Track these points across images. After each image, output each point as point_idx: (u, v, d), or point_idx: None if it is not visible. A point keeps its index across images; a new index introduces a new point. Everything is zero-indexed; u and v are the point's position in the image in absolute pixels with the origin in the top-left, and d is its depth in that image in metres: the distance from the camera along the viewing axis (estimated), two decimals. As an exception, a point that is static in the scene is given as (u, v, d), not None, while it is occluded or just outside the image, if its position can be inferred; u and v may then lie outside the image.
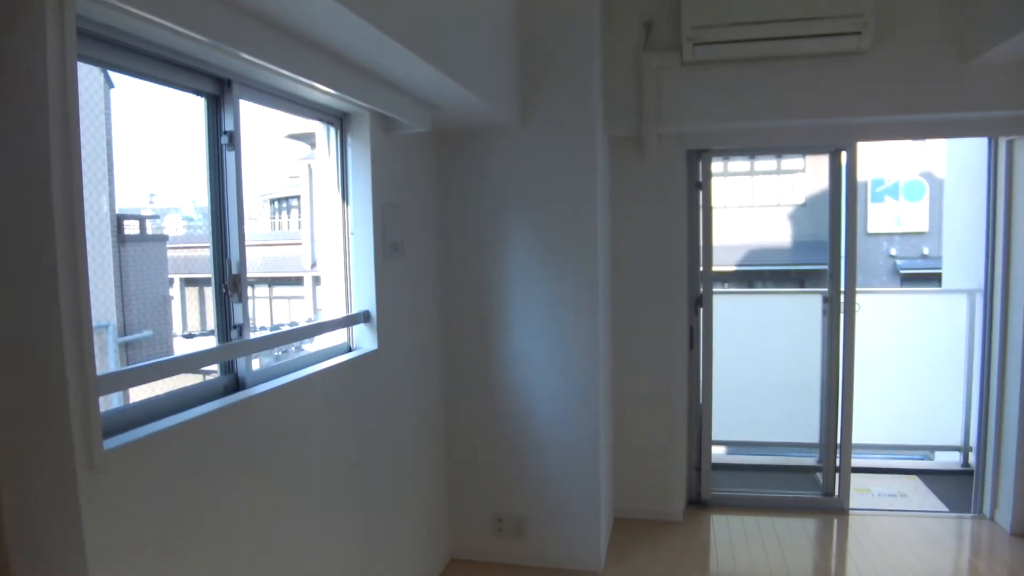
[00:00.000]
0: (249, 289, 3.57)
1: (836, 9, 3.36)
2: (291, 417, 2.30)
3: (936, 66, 3.49)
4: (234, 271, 2.21)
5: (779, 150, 4.83)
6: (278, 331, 2.54)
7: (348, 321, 2.80)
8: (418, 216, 3.29)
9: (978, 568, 3.62)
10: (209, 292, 2.24)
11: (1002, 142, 3.83)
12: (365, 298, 2.84)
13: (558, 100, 3.32)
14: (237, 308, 2.22)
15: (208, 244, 2.21)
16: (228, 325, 2.22)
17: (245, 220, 2.22)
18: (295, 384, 2.32)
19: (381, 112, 2.69)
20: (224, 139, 2.17)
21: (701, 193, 4.11)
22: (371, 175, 2.79)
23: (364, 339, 2.86)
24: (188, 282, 5.19)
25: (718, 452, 5.10)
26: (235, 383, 2.21)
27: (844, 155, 3.99)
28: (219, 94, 2.16)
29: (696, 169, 4.10)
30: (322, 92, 2.40)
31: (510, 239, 3.41)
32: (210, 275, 2.23)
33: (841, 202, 4.09)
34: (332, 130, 2.82)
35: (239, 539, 2.01)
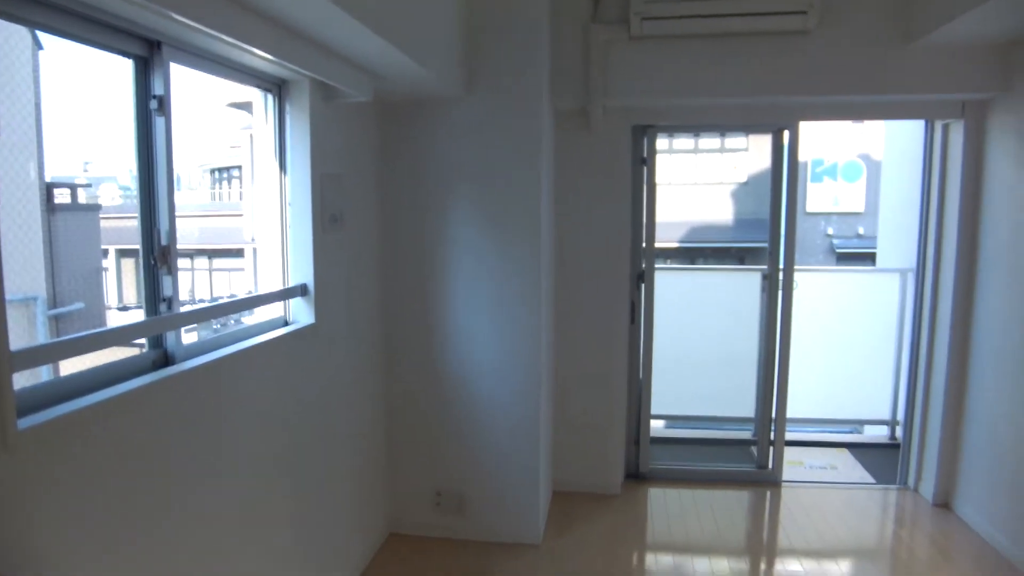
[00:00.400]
0: (187, 261, 3.44)
1: (783, -13, 3.38)
2: (223, 393, 2.23)
3: (879, 48, 3.54)
4: (163, 242, 2.11)
5: (723, 128, 4.86)
6: (208, 304, 2.45)
7: (284, 294, 2.72)
8: (360, 187, 3.21)
9: (901, 537, 3.77)
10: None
11: (938, 125, 3.92)
12: (303, 271, 2.76)
13: (504, 71, 3.26)
14: (166, 280, 2.13)
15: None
16: (157, 298, 2.13)
17: (176, 189, 2.13)
18: (227, 359, 2.25)
19: (321, 80, 2.59)
20: (153, 104, 2.07)
21: (646, 169, 4.11)
22: (310, 144, 2.70)
23: (301, 313, 2.79)
24: (124, 253, 5.01)
25: (657, 426, 5.18)
26: (164, 358, 2.13)
27: (787, 134, 4.04)
28: (148, 56, 2.05)
29: (641, 144, 4.10)
30: (259, 57, 2.30)
31: (454, 212, 3.36)
32: (146, 246, 2.13)
33: (782, 181, 4.14)
34: (270, 97, 2.72)
35: (168, 521, 1.95)
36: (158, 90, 2.06)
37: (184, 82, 2.19)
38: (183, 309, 2.19)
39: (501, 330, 3.38)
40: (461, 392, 3.45)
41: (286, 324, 2.77)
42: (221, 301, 2.79)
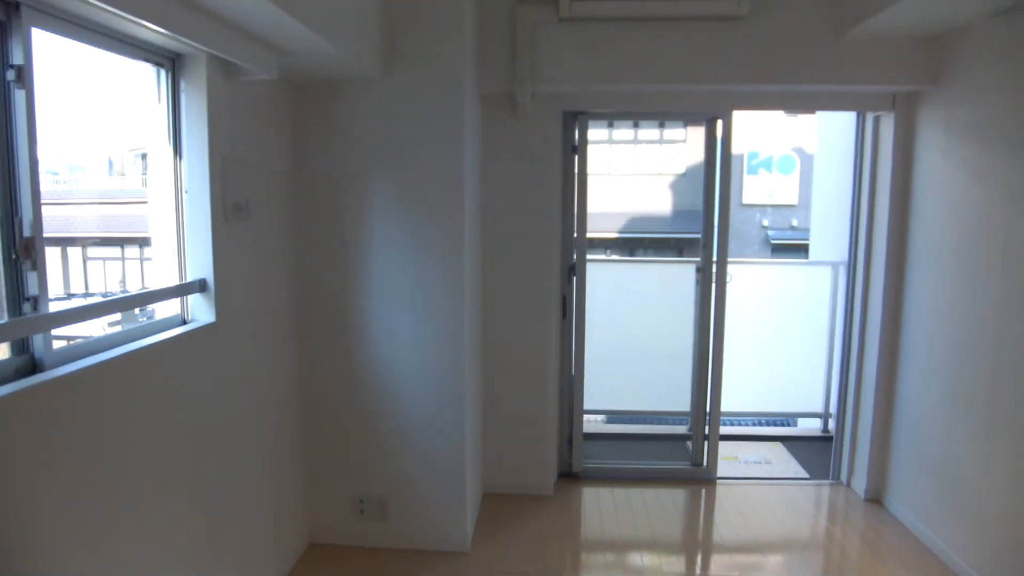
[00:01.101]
0: (78, 252, 3.13)
1: (716, -30, 3.27)
2: (104, 402, 1.99)
3: (812, 37, 3.47)
4: (26, 233, 1.86)
5: (655, 115, 4.77)
6: (84, 303, 2.20)
7: (180, 291, 2.48)
8: (269, 174, 2.97)
9: (833, 533, 3.74)
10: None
11: (869, 117, 3.88)
12: (202, 265, 2.52)
13: (425, 52, 3.07)
14: (31, 277, 1.88)
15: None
16: (20, 297, 1.88)
17: (40, 171, 1.88)
18: (107, 365, 2.01)
19: (218, 54, 2.36)
20: (11, 74, 1.81)
21: (577, 157, 3.97)
22: (208, 125, 2.46)
23: (201, 310, 2.55)
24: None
25: (593, 422, 5.08)
26: (31, 365, 1.88)
27: (720, 123, 3.95)
28: (4, 20, 1.80)
29: (572, 132, 3.95)
30: (142, 26, 2.06)
31: (373, 201, 3.16)
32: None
33: (716, 171, 4.05)
34: (163, 73, 2.46)
35: (48, 547, 1.71)
36: (16, 59, 1.81)
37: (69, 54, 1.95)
38: (58, 307, 1.95)
39: (424, 326, 3.20)
40: (383, 392, 3.26)
41: (184, 323, 2.54)
42: (105, 299, 2.54)
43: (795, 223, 14.94)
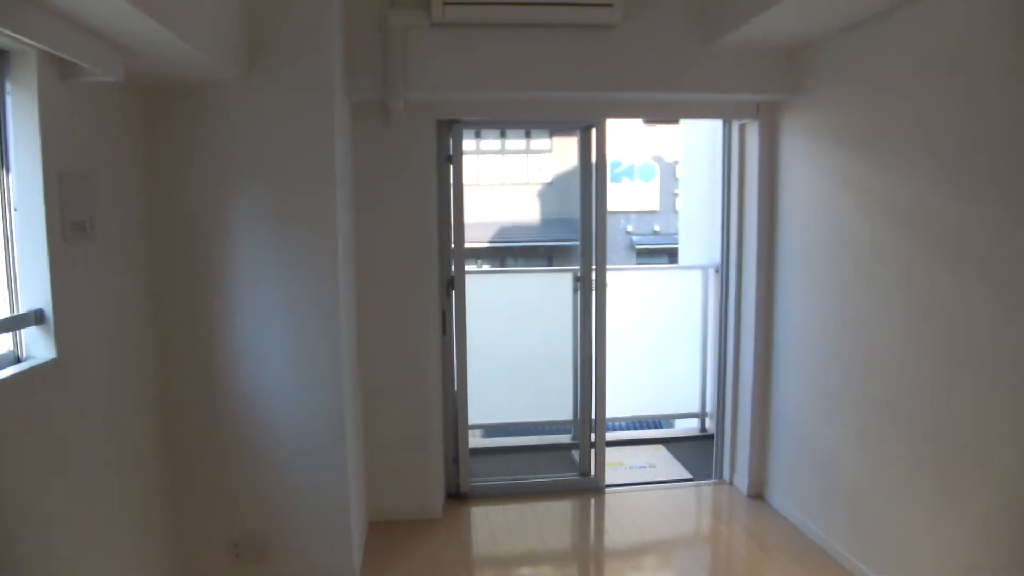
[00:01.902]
0: None
1: (589, -23, 3.25)
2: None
3: (681, 47, 3.53)
4: None
5: (531, 124, 4.74)
6: None
7: (12, 324, 2.15)
8: (119, 188, 2.66)
9: (719, 531, 3.82)
10: None
11: (735, 125, 4.01)
12: (37, 293, 2.20)
13: (290, 56, 2.86)
14: None
15: None
16: None
17: None
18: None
19: (51, 51, 2.06)
20: None
21: (452, 167, 3.86)
22: (40, 133, 2.14)
23: (38, 346, 2.22)
24: None
25: (477, 436, 4.97)
26: None
27: (594, 132, 3.95)
28: None
29: (447, 141, 3.84)
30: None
31: (237, 216, 2.91)
32: None
33: (592, 179, 4.05)
34: (-17, 73, 2.14)
35: None
36: None
37: None
38: None
39: (298, 349, 2.97)
40: (256, 423, 3.00)
41: (19, 361, 2.20)
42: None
43: (657, 228, 15.51)
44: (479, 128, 6.60)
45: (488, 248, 14.66)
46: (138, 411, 2.78)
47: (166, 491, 2.99)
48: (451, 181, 3.85)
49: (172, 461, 3.00)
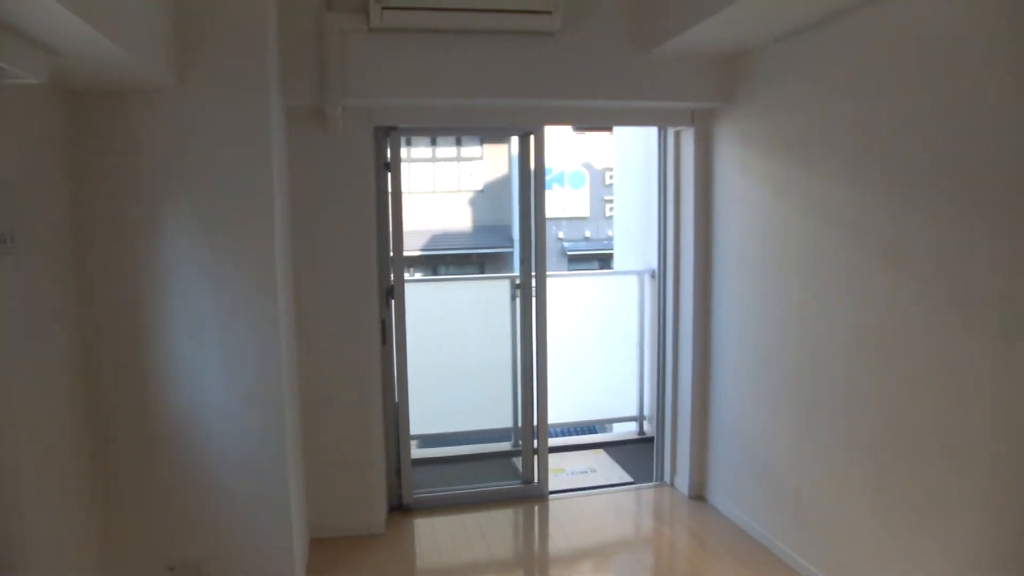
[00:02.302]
0: None
1: (528, -15, 3.26)
2: None
3: (618, 55, 3.57)
4: None
5: (471, 131, 4.73)
6: None
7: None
8: (42, 198, 2.50)
9: (662, 532, 3.86)
10: None
11: (670, 132, 4.08)
12: (-48, 309, 2.07)
13: (225, 59, 2.76)
14: None
15: None
16: None
17: None
18: None
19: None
20: None
21: (390, 174, 3.80)
22: (-47, 139, 2.02)
23: (-47, 366, 2.08)
24: None
25: (419, 446, 4.90)
26: None
27: (533, 138, 3.96)
28: None
29: (384, 148, 3.78)
30: None
31: (170, 226, 2.78)
32: None
33: (530, 186, 4.06)
34: None
35: None
36: None
37: None
38: None
39: (236, 364, 2.86)
40: (192, 441, 2.87)
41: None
42: None
43: (588, 234, 15.72)
44: (418, 135, 6.54)
45: (421, 256, 14.58)
46: (65, 430, 2.62)
47: (96, 512, 2.83)
48: (389, 189, 3.80)
49: (102, 481, 2.85)
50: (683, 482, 4.16)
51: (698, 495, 4.10)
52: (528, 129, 3.95)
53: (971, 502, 2.36)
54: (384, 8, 3.19)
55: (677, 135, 4.04)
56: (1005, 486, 2.24)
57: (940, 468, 2.48)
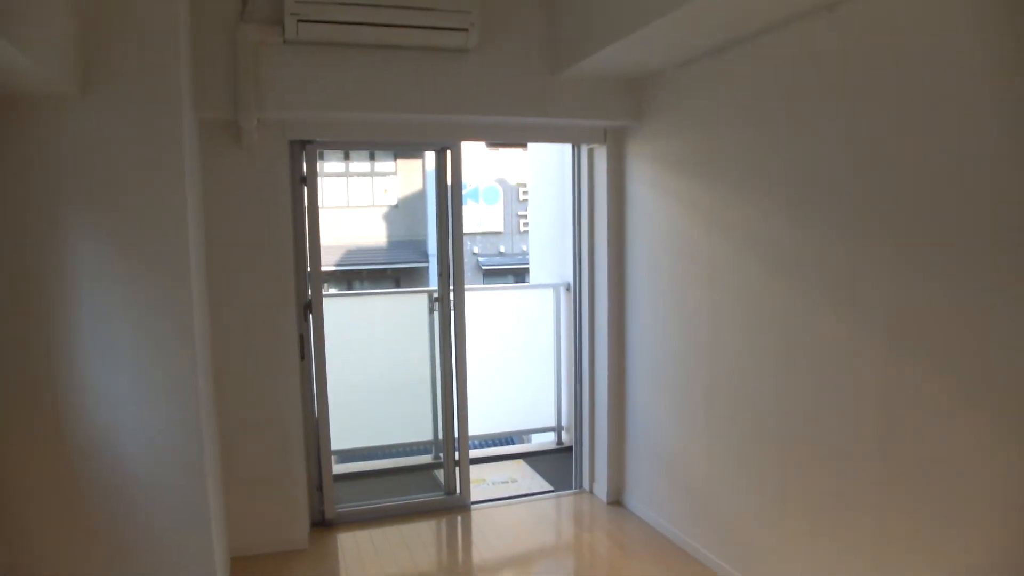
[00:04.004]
0: None
1: (446, 3, 3.32)
2: None
3: (531, 74, 3.66)
4: None
5: (387, 145, 4.73)
6: None
7: None
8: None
9: (582, 537, 3.96)
10: None
11: (584, 149, 4.21)
12: None
13: (132, 70, 2.71)
14: None
15: None
16: None
17: None
18: None
19: None
20: None
21: (306, 188, 3.78)
22: None
23: None
24: None
25: (339, 461, 4.84)
26: None
27: (449, 154, 4.02)
28: None
29: (300, 162, 3.76)
30: None
31: (75, 245, 2.70)
32: None
33: (448, 201, 4.11)
34: None
35: None
36: None
37: None
38: None
39: (151, 383, 2.80)
40: (106, 469, 2.78)
41: None
42: None
43: (503, 249, 15.87)
44: (335, 149, 6.47)
45: (336, 271, 14.37)
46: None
47: (6, 554, 2.70)
48: (306, 203, 3.78)
49: (11, 521, 2.71)
50: (601, 489, 4.27)
51: (616, 501, 4.21)
52: (445, 144, 4.00)
53: (864, 501, 2.53)
54: (300, 21, 3.18)
55: (591, 152, 4.18)
56: (894, 484, 2.42)
57: (835, 467, 2.66)
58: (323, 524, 3.95)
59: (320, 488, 3.94)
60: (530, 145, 6.13)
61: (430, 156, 3.98)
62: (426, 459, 4.82)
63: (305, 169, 3.77)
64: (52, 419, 2.73)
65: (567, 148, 4.41)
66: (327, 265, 13.72)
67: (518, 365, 5.33)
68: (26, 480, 2.73)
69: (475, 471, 4.69)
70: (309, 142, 3.74)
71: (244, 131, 3.39)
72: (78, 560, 2.81)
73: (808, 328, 2.76)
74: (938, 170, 2.21)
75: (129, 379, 2.77)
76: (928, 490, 2.29)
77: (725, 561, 3.31)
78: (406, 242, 15.24)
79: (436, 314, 4.34)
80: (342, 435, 4.16)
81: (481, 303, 5.32)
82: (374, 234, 15.08)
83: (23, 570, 2.75)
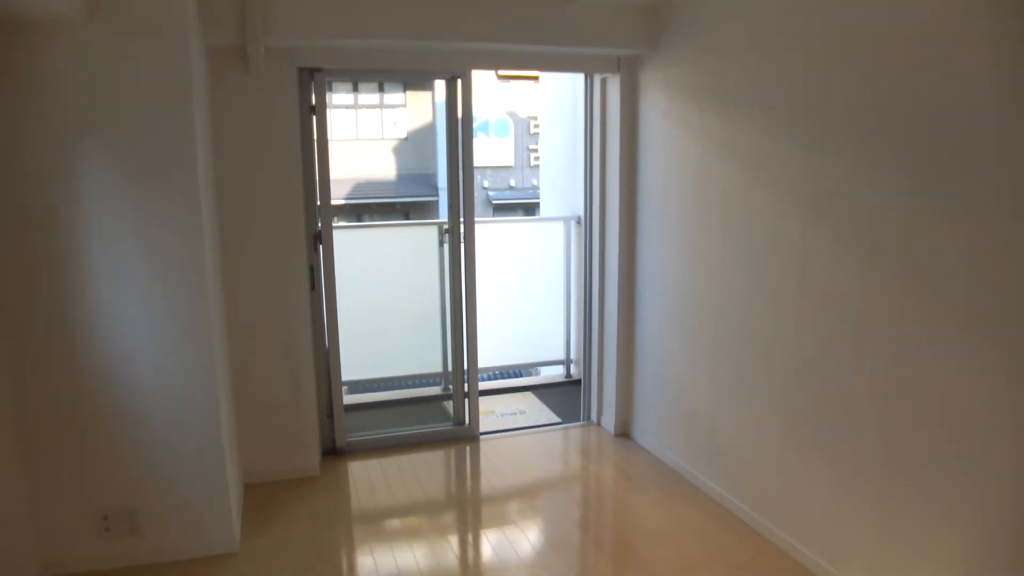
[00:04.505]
0: None
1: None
2: None
3: (545, 1, 3.56)
4: None
5: (396, 73, 4.63)
6: None
7: None
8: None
9: (589, 468, 4.02)
10: None
11: (596, 79, 4.12)
12: None
13: (138, -7, 2.64)
14: None
15: None
16: None
17: None
18: None
19: None
20: None
21: (315, 118, 3.74)
22: None
23: None
24: None
25: (350, 393, 4.92)
26: None
27: (460, 83, 3.94)
28: None
29: (309, 91, 3.71)
30: None
31: (85, 173, 2.67)
32: None
33: (458, 131, 4.06)
34: None
35: None
36: None
37: None
38: None
39: (163, 311, 2.81)
40: (121, 391, 2.82)
41: None
42: None
43: (513, 184, 15.75)
44: (343, 78, 6.36)
45: (345, 205, 14.34)
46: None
47: (22, 469, 2.77)
48: (315, 133, 3.74)
49: (29, 438, 2.77)
50: (609, 421, 4.33)
51: (624, 433, 4.28)
52: (454, 73, 3.92)
53: (872, 433, 2.55)
54: (308, -56, 3.09)
55: (603, 82, 4.09)
56: (902, 416, 2.44)
57: (843, 401, 2.67)
58: (334, 453, 4.03)
59: (331, 417, 4.01)
60: (542, 77, 6.01)
61: (440, 88, 3.91)
62: (435, 391, 4.89)
63: (314, 98, 3.72)
64: (67, 345, 2.75)
65: (579, 80, 4.32)
66: (337, 199, 13.69)
67: (528, 298, 5.35)
68: (43, 405, 2.78)
69: (484, 403, 4.76)
70: (318, 70, 3.68)
71: (252, 59, 3.33)
72: (93, 485, 2.88)
73: (820, 260, 2.74)
74: (958, 105, 2.15)
75: (141, 308, 2.79)
76: (937, 423, 2.31)
77: (731, 493, 3.37)
78: (416, 175, 15.13)
79: (446, 247, 4.33)
80: (353, 366, 4.21)
81: (491, 236, 5.31)
82: (384, 167, 14.97)
83: (42, 495, 2.83)
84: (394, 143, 15.03)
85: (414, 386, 5.07)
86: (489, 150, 15.48)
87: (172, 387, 2.88)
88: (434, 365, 4.74)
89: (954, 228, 2.20)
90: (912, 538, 2.43)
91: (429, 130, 15.02)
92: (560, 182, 5.41)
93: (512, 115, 15.56)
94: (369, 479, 3.80)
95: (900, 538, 2.48)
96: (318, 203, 3.81)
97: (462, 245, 4.16)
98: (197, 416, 2.93)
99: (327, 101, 3.83)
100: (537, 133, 13.78)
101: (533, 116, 15.09)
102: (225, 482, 3.02)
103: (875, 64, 2.44)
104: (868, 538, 2.60)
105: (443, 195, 12.90)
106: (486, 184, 15.62)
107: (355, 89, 14.53)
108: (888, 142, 2.40)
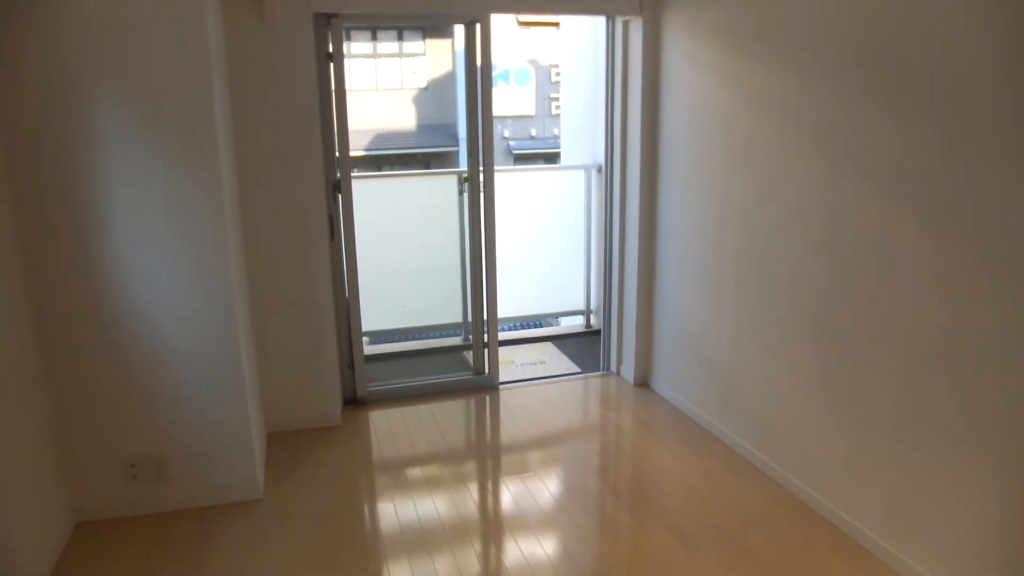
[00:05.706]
0: None
1: None
2: None
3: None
4: None
5: (414, 18, 4.53)
6: None
7: None
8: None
9: (608, 417, 4.03)
10: None
11: (618, 22, 4.01)
12: None
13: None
14: None
15: None
16: None
17: None
18: None
19: None
20: None
21: (333, 66, 3.68)
22: None
23: None
24: None
25: (370, 344, 4.96)
26: None
27: (479, 27, 3.85)
28: None
29: (326, 37, 3.64)
30: None
31: (102, 125, 2.65)
32: None
33: (477, 77, 3.98)
34: None
35: None
36: None
37: None
38: None
39: (184, 261, 2.82)
40: (144, 340, 2.85)
41: None
42: None
43: (534, 133, 15.56)
44: (360, 24, 6.24)
45: (364, 156, 14.27)
46: (9, 340, 2.57)
47: (50, 416, 2.82)
48: (332, 81, 3.68)
49: (56, 385, 2.82)
50: (628, 371, 4.33)
51: (643, 383, 4.28)
52: (473, 17, 3.83)
53: (893, 385, 2.52)
54: None
55: (626, 25, 3.98)
56: (925, 369, 2.39)
57: (864, 351, 2.63)
58: (355, 402, 4.08)
59: (352, 367, 4.04)
60: (563, 23, 5.86)
61: (460, 36, 3.82)
62: (455, 341, 4.91)
63: (331, 45, 3.66)
64: (89, 298, 2.77)
65: (601, 25, 4.21)
66: (356, 149, 13.60)
67: (548, 248, 5.32)
68: (69, 355, 2.81)
69: (503, 353, 4.78)
70: (334, 15, 3.61)
71: (267, 4, 3.28)
72: (120, 433, 2.93)
73: (845, 209, 2.67)
74: (990, 55, 2.05)
75: (163, 257, 2.80)
76: (958, 373, 2.27)
77: (748, 442, 3.37)
78: (436, 126, 14.99)
79: (466, 196, 4.29)
80: (373, 316, 4.23)
81: (511, 185, 5.25)
82: (403, 117, 14.83)
83: (70, 444, 2.89)
84: (414, 92, 14.86)
85: (434, 336, 5.09)
86: (510, 99, 15.26)
87: (194, 336, 2.90)
88: (454, 315, 4.74)
89: (987, 177, 2.13)
90: (928, 487, 2.42)
91: (449, 79, 14.82)
92: (581, 131, 5.32)
93: (533, 63, 15.29)
94: (390, 428, 3.84)
95: (915, 487, 2.46)
96: (336, 153, 3.77)
97: (481, 194, 4.12)
98: (220, 365, 2.96)
99: (345, 50, 3.77)
100: (558, 81, 13.55)
101: (554, 64, 14.81)
102: (248, 430, 3.07)
103: (919, 8, 2.33)
104: (883, 486, 2.59)
105: (463, 145, 12.84)
106: (507, 134, 15.45)
107: (374, 38, 14.32)
108: (921, 89, 2.31)
